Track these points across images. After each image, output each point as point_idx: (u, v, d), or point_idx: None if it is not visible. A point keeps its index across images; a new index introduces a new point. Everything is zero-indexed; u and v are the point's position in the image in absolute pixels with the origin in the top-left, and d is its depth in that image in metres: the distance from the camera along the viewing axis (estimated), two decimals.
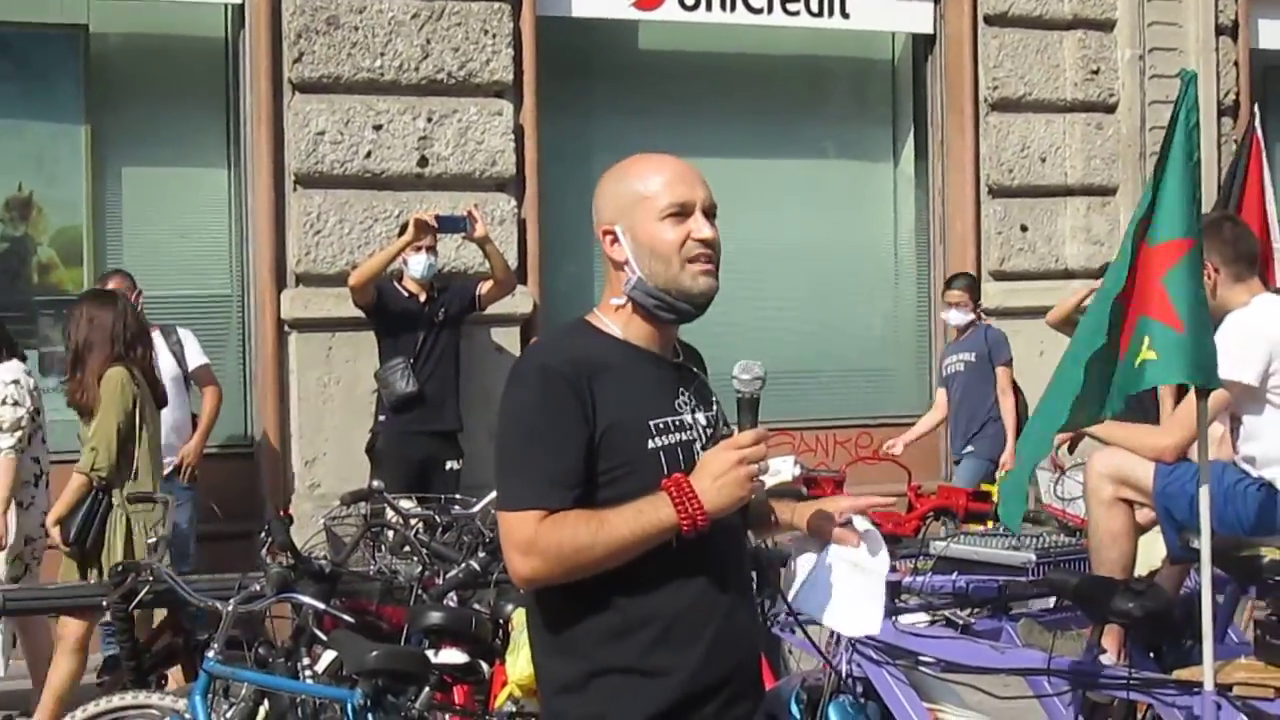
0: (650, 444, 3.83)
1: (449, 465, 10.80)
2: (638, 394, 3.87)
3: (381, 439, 10.94)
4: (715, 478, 3.73)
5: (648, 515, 3.71)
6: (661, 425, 3.87)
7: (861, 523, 4.17)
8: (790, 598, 4.23)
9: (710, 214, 3.95)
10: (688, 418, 3.94)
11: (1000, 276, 13.36)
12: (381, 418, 10.94)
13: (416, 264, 10.84)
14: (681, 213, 3.90)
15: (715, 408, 4.05)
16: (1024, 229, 13.43)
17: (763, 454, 3.77)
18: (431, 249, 10.88)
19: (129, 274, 10.58)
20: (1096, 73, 13.53)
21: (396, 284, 10.99)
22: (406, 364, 10.78)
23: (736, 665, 3.93)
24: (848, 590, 4.14)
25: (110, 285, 10.31)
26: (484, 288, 11.12)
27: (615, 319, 3.96)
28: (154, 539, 7.67)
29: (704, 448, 3.90)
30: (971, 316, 12.01)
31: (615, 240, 3.94)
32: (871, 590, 4.14)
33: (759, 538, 4.20)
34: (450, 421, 11.04)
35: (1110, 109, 13.61)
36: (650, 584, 3.80)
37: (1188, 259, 5.85)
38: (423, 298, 10.95)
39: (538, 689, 4.06)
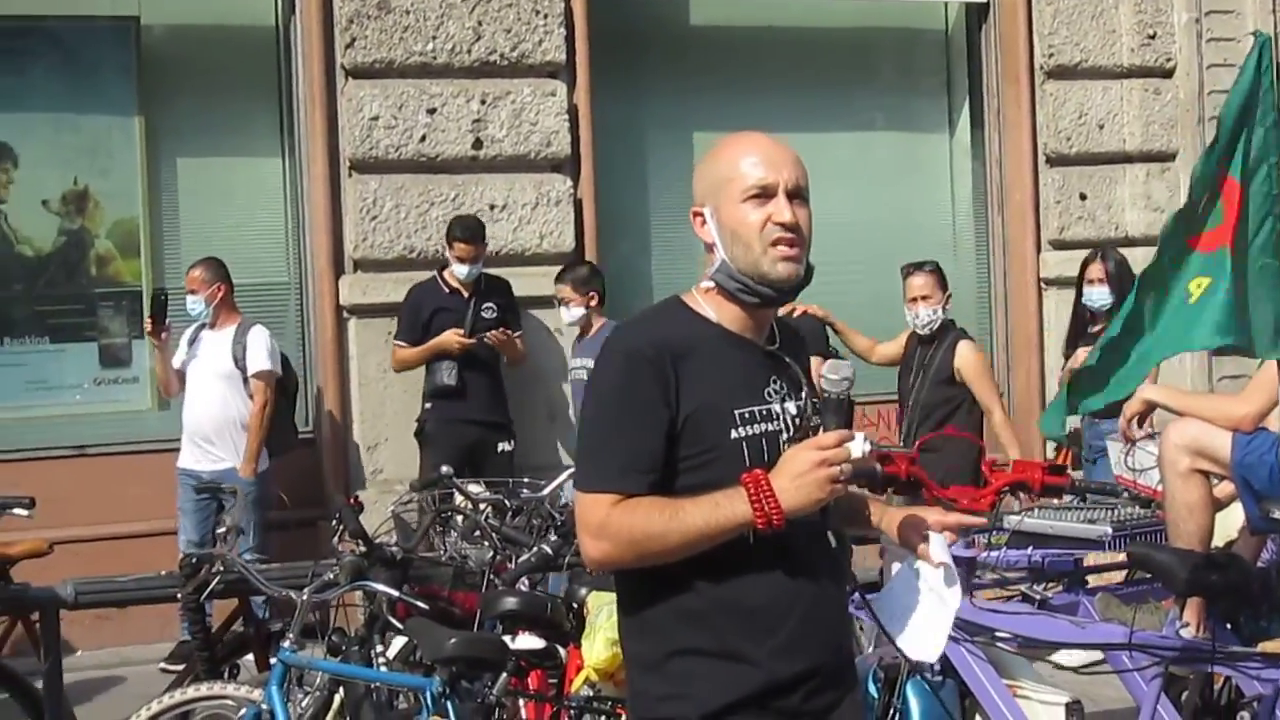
0: (734, 433, 3.80)
1: (500, 447, 10.84)
2: (725, 381, 3.83)
3: (430, 424, 10.99)
4: (795, 477, 3.69)
5: (724, 509, 3.68)
6: (747, 415, 3.83)
7: (941, 553, 4.08)
8: (875, 609, 4.18)
9: (795, 196, 3.88)
10: (775, 407, 3.90)
11: (1060, 245, 13.26)
12: (428, 405, 10.97)
13: (461, 272, 10.90)
14: (763, 194, 3.85)
15: (806, 396, 3.98)
16: (1083, 197, 13.32)
17: (845, 456, 3.71)
18: (475, 259, 10.88)
19: (215, 261, 10.68)
20: (1153, 37, 13.40)
21: (439, 278, 10.99)
22: (453, 356, 10.77)
23: (822, 657, 3.89)
24: (921, 613, 4.09)
25: (192, 274, 10.42)
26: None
27: (709, 300, 3.93)
28: (224, 528, 7.65)
29: (790, 439, 3.86)
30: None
31: (704, 222, 3.91)
32: (941, 620, 4.08)
33: (853, 532, 4.13)
34: (494, 413, 11.05)
35: (1168, 74, 13.48)
36: (730, 572, 3.77)
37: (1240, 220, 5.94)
38: (466, 293, 10.96)
39: (625, 665, 4.05)
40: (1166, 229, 6.79)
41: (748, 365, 3.91)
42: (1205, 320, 6.39)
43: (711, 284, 3.91)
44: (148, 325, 10.46)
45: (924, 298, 9.99)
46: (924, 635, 4.09)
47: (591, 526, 3.73)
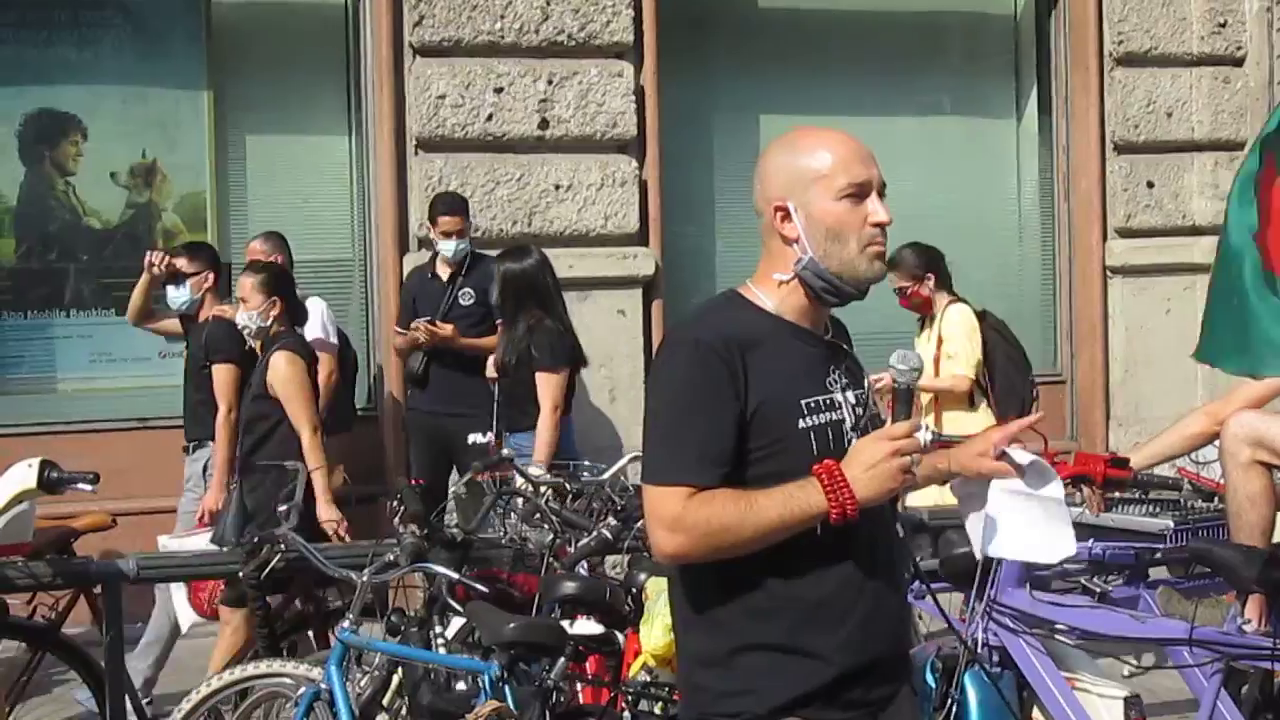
0: (801, 423, 3.80)
1: (471, 439, 10.22)
2: (789, 371, 3.84)
3: (407, 414, 10.97)
4: (867, 467, 3.69)
5: (798, 500, 3.68)
6: (813, 404, 3.83)
7: (1022, 455, 4.05)
8: (979, 549, 4.14)
9: (882, 194, 3.90)
10: (838, 396, 3.91)
11: (1126, 234, 13.19)
12: (408, 393, 10.95)
13: (446, 248, 10.60)
14: (859, 194, 3.86)
15: (865, 386, 4.01)
16: (1150, 185, 13.24)
17: (916, 446, 3.73)
18: (461, 234, 10.68)
19: (276, 235, 10.61)
20: (1224, 25, 13.30)
21: (431, 263, 10.87)
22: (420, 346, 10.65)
23: (883, 650, 3.91)
24: (1028, 520, 4.05)
25: (253, 245, 10.43)
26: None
27: (771, 292, 3.93)
28: (285, 507, 7.68)
29: (854, 427, 3.88)
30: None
31: (787, 216, 3.88)
32: (1055, 515, 4.05)
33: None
34: (460, 404, 10.42)
35: (1238, 62, 13.38)
36: (796, 567, 3.78)
37: None
38: (446, 276, 10.70)
39: (677, 661, 4.06)
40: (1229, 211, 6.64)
41: (809, 356, 3.92)
42: None
43: (787, 276, 3.90)
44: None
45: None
46: (1047, 537, 4.07)
47: (666, 519, 3.72)
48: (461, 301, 10.65)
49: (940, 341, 10.16)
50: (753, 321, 3.88)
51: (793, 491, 3.69)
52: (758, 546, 3.70)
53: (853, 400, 3.94)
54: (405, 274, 11.17)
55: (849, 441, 3.85)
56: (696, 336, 3.82)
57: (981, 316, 10.36)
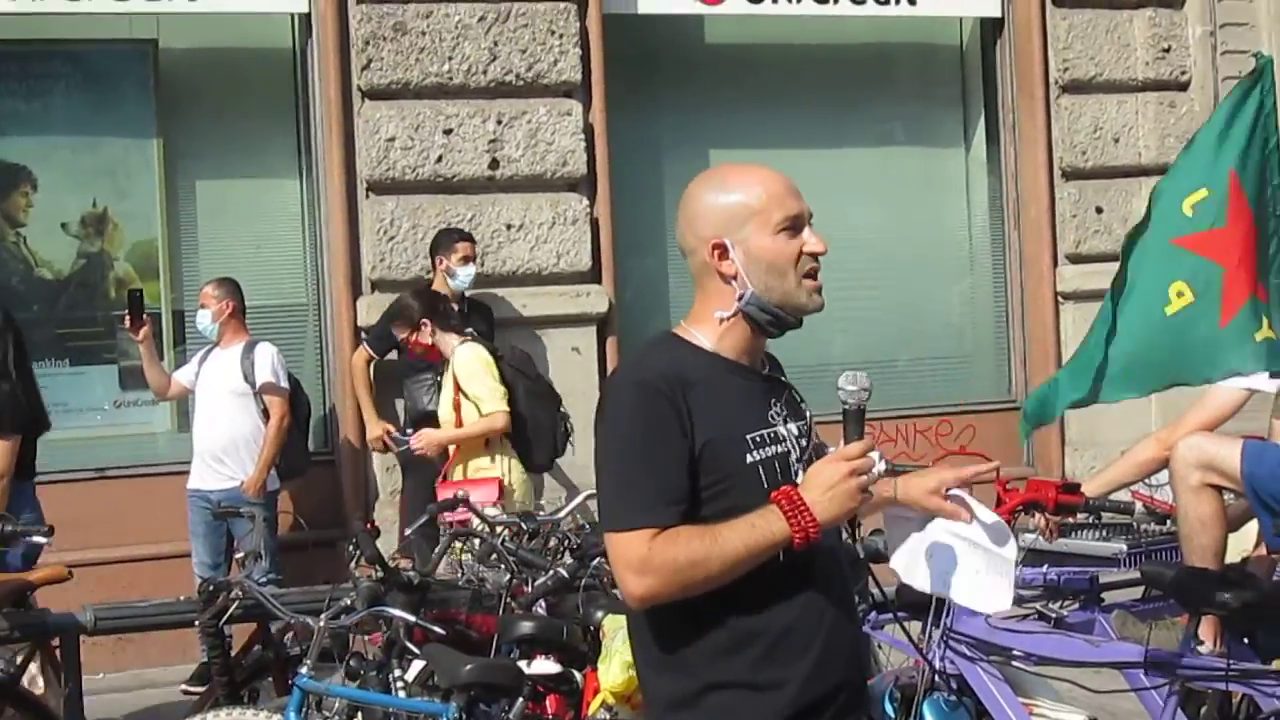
0: (749, 458, 3.82)
1: None
2: (732, 408, 3.85)
3: (407, 452, 10.90)
4: (825, 489, 3.70)
5: (760, 529, 3.69)
6: (758, 439, 3.85)
7: (987, 512, 4.10)
8: (903, 574, 4.18)
9: (811, 224, 3.94)
10: (781, 429, 3.92)
11: (1076, 259, 13.27)
12: (409, 430, 10.86)
13: (465, 275, 10.84)
14: (794, 226, 3.89)
15: (806, 417, 4.03)
16: (1099, 211, 13.33)
17: (871, 464, 3.73)
18: (474, 259, 10.90)
19: (228, 280, 10.70)
20: (1168, 50, 13.42)
21: None
22: (434, 380, 10.68)
23: (845, 676, 3.92)
24: (967, 565, 4.09)
25: (204, 290, 10.55)
26: None
27: (707, 331, 3.95)
28: (242, 554, 7.68)
29: (799, 459, 3.90)
30: None
31: (725, 254, 3.90)
32: (997, 569, 4.08)
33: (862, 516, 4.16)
34: None
35: (1183, 87, 13.50)
36: (757, 600, 3.78)
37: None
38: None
39: (644, 705, 4.05)
40: (1129, 239, 6.71)
41: (750, 391, 3.94)
42: (1234, 344, 6.34)
43: (729, 313, 3.92)
44: (125, 323, 10.38)
45: None
46: (986, 586, 4.10)
47: (634, 563, 3.70)
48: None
49: (457, 386, 9.73)
50: (691, 360, 3.89)
51: (754, 520, 3.69)
52: (726, 579, 3.70)
53: (795, 432, 3.96)
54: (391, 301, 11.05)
55: (796, 474, 3.86)
56: (639, 378, 3.84)
57: (498, 356, 9.90)
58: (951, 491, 4.10)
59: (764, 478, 3.81)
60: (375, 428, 10.96)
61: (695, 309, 4.00)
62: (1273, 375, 6.58)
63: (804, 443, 3.96)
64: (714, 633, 3.79)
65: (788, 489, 3.73)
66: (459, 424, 9.70)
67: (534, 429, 9.83)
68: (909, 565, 4.18)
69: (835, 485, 3.70)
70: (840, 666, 3.90)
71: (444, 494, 8.97)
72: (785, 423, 3.95)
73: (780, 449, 3.89)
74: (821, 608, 3.87)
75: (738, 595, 3.75)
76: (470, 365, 9.64)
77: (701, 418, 3.76)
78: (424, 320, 9.79)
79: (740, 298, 3.90)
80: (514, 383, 9.78)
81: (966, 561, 4.10)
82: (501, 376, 9.71)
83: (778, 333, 3.95)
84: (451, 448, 9.80)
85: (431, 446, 9.90)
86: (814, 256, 3.91)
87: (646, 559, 3.68)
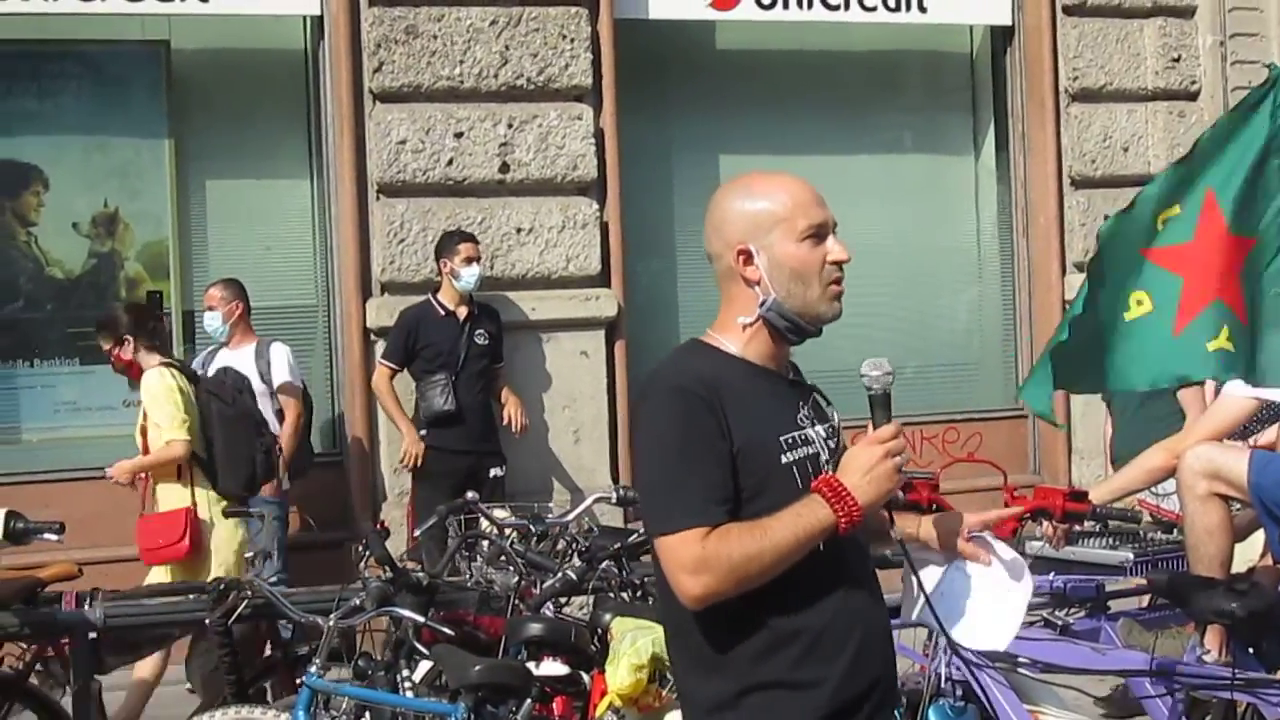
0: (784, 458, 3.89)
1: (492, 473, 10.76)
2: (764, 410, 3.93)
3: (431, 456, 10.99)
4: (864, 473, 3.80)
5: (806, 517, 3.76)
6: (790, 440, 3.93)
7: (1006, 550, 4.26)
8: (915, 611, 4.28)
9: (835, 233, 4.02)
10: (810, 431, 4.00)
11: (1084, 268, 13.25)
12: (422, 432, 10.97)
13: (469, 275, 10.90)
14: (818, 234, 3.96)
15: (832, 420, 4.12)
16: (1107, 219, 13.31)
17: (904, 446, 3.86)
18: (478, 259, 10.96)
19: (234, 282, 10.77)
20: (1178, 60, 13.43)
21: (433, 299, 11.06)
22: (448, 381, 10.79)
23: (880, 673, 4.00)
24: (981, 606, 4.24)
25: (210, 291, 10.50)
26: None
27: (733, 337, 4.02)
28: (252, 553, 7.70)
29: (828, 460, 3.97)
30: None
31: (749, 259, 3.96)
32: (1011, 609, 4.24)
33: (875, 548, 4.22)
34: (487, 439, 11.05)
35: (1192, 96, 13.51)
36: (795, 599, 3.85)
37: (1251, 256, 5.93)
38: (462, 314, 10.99)
39: (683, 709, 4.10)
40: (1109, 229, 6.72)
41: (778, 394, 4.01)
42: (1185, 352, 6.36)
43: (750, 319, 3.99)
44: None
45: None
46: (990, 626, 4.26)
47: (689, 564, 3.74)
48: (477, 341, 10.92)
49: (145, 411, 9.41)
50: (722, 365, 3.95)
51: (799, 510, 3.77)
52: (777, 571, 3.76)
53: (823, 434, 4.03)
54: (400, 312, 11.16)
55: (826, 474, 3.93)
56: (676, 384, 3.89)
57: (195, 380, 9.61)
58: (974, 534, 4.28)
59: (799, 478, 3.89)
60: (412, 444, 10.98)
61: (720, 317, 4.07)
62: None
63: (832, 444, 4.04)
64: (754, 634, 3.85)
65: (828, 476, 3.83)
66: (145, 450, 9.42)
67: (224, 456, 9.44)
68: (923, 606, 4.31)
69: (873, 468, 3.80)
70: (876, 663, 3.98)
71: (141, 527, 9.18)
72: (813, 425, 4.02)
73: (810, 450, 3.97)
74: (856, 605, 3.94)
75: (776, 595, 3.81)
76: (152, 390, 9.30)
77: (737, 421, 3.83)
78: (128, 336, 9.50)
79: (763, 303, 3.96)
80: (207, 407, 9.45)
81: (979, 602, 4.25)
82: (193, 401, 9.39)
83: (797, 340, 4.02)
84: (143, 475, 9.52)
85: (122, 474, 9.56)
86: (838, 265, 3.97)
87: (702, 558, 3.73)
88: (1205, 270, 6.16)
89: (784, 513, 3.76)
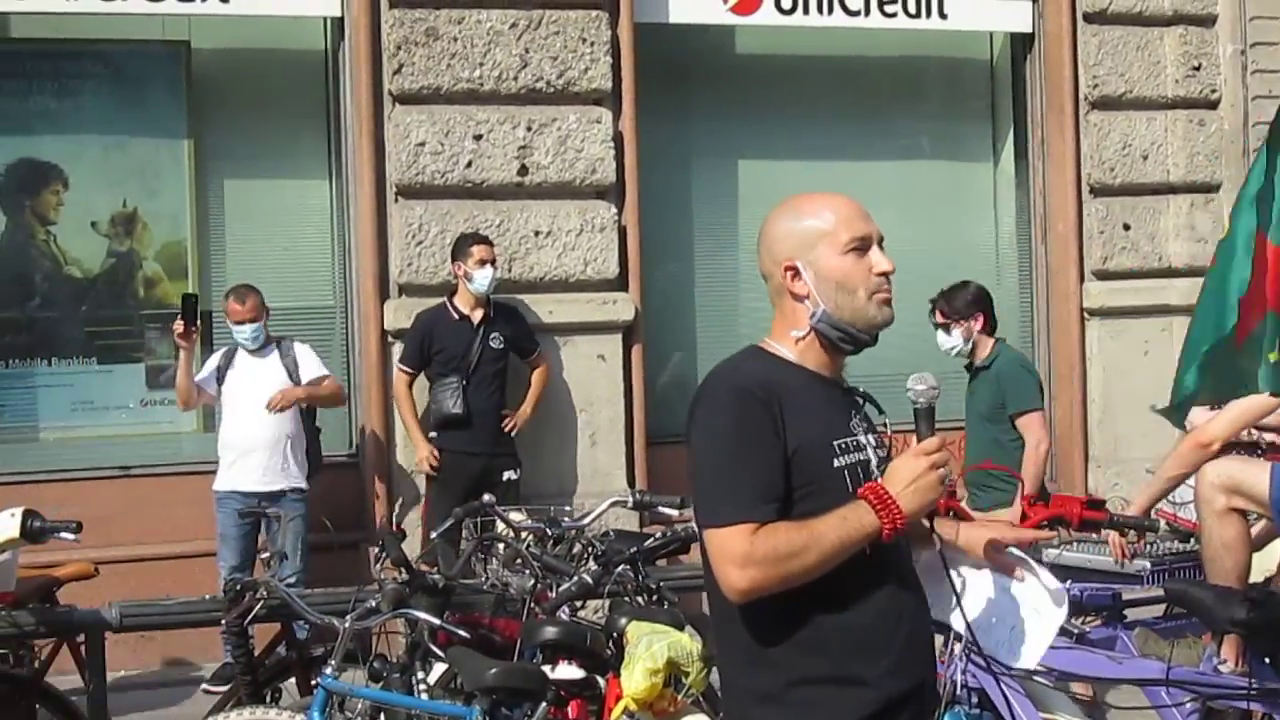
0: (836, 462, 4.01)
1: (506, 476, 10.70)
2: (819, 415, 4.05)
3: (443, 459, 11.01)
4: (908, 483, 3.93)
5: (851, 522, 3.88)
6: (842, 445, 4.05)
7: (1050, 580, 4.45)
8: (948, 616, 4.37)
9: (881, 245, 4.15)
10: (861, 438, 4.12)
11: (1103, 276, 13.27)
12: (433, 434, 11.01)
13: (483, 278, 10.90)
14: (862, 247, 4.10)
15: (883, 428, 4.25)
16: (1127, 227, 13.32)
17: (948, 458, 3.98)
18: (492, 261, 10.95)
19: (253, 290, 10.72)
20: (1198, 69, 13.41)
21: (448, 303, 11.07)
22: (459, 385, 10.82)
23: (924, 673, 4.11)
24: (1012, 621, 4.39)
25: (248, 303, 10.54)
26: (536, 368, 11.41)
27: (789, 347, 4.14)
28: (268, 554, 7.71)
29: (877, 466, 4.08)
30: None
31: (796, 275, 4.10)
32: (1043, 630, 4.39)
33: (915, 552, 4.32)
34: (500, 442, 11.06)
35: (1212, 105, 13.48)
36: (843, 597, 3.96)
37: None
38: (476, 318, 11.00)
39: (726, 700, 4.19)
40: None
41: (833, 401, 4.13)
42: (1248, 365, 6.31)
43: (803, 332, 4.12)
44: (178, 328, 10.35)
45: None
46: (1019, 643, 4.41)
47: (737, 557, 3.85)
48: (491, 344, 10.93)
49: None
50: (781, 370, 4.09)
51: (845, 514, 3.88)
52: (821, 571, 3.87)
53: (873, 442, 4.15)
54: (416, 315, 11.20)
55: (875, 480, 4.03)
56: (735, 384, 4.02)
57: None
58: (1011, 550, 4.46)
59: (849, 482, 4.00)
60: (423, 449, 10.98)
61: (774, 330, 4.20)
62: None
63: (881, 453, 4.15)
64: (801, 629, 3.95)
65: (874, 484, 3.95)
66: None
67: None
68: (955, 611, 4.40)
69: (918, 479, 3.93)
70: (920, 664, 4.09)
71: None
72: (864, 433, 4.15)
73: (861, 456, 4.09)
74: (901, 606, 4.05)
75: (824, 593, 3.92)
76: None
77: (793, 423, 3.95)
78: None
79: (812, 316, 4.10)
80: None
81: (1004, 614, 4.41)
82: None
83: (852, 349, 4.16)
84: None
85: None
86: (884, 276, 4.13)
87: (749, 553, 3.83)
88: (1258, 282, 6.13)
89: (831, 515, 3.87)
